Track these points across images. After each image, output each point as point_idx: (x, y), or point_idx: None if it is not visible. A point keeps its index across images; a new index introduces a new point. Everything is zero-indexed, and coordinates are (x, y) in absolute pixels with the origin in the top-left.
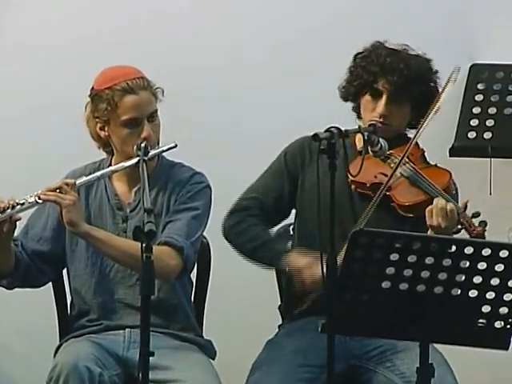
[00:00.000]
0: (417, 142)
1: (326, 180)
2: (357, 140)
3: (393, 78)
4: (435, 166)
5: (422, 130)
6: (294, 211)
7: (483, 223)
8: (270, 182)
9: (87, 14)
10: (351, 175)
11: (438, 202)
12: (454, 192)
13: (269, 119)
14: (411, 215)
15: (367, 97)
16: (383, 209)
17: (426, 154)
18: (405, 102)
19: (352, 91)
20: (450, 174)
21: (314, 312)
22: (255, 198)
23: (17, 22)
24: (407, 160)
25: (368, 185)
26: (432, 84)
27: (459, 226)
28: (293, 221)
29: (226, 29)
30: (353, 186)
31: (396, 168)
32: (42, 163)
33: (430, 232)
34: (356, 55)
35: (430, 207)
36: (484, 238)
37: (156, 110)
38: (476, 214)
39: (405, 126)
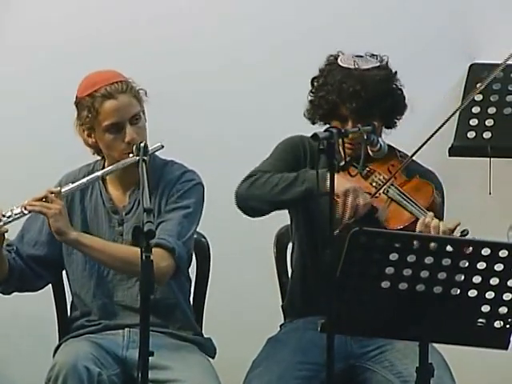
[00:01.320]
0: (395, 151)
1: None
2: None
3: (351, 105)
4: (416, 176)
5: (412, 156)
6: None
7: None
8: (278, 164)
9: (87, 14)
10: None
11: (432, 221)
12: (440, 200)
13: (268, 119)
14: None
15: (335, 122)
16: None
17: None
18: (371, 119)
19: (317, 118)
20: (433, 186)
21: (315, 312)
22: (267, 171)
23: (17, 22)
24: (388, 176)
25: None
26: (394, 87)
27: None
28: None
29: (226, 30)
30: None
31: (376, 192)
32: (42, 163)
33: None
34: (313, 80)
35: (421, 227)
36: None
37: (138, 112)
38: (465, 233)
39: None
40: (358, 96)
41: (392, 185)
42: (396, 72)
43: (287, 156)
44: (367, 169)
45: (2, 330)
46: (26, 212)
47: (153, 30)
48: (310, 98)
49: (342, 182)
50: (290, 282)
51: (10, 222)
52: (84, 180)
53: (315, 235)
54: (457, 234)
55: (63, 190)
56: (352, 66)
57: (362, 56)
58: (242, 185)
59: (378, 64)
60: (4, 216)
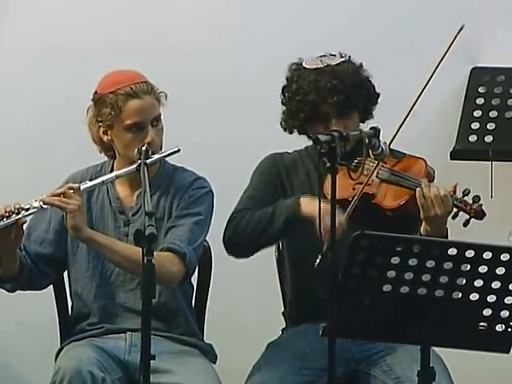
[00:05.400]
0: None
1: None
2: None
3: (333, 99)
4: (405, 155)
5: (396, 134)
6: None
7: (477, 198)
8: (257, 196)
9: (88, 20)
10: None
11: (430, 190)
12: (433, 176)
13: (269, 128)
14: (401, 214)
15: (316, 125)
16: (373, 217)
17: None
18: (352, 112)
19: (297, 124)
20: (425, 160)
21: (317, 316)
22: (247, 208)
23: (23, 25)
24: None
25: (350, 199)
26: (364, 78)
27: (455, 210)
28: None
29: (229, 39)
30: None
31: (368, 179)
32: (43, 165)
33: (424, 224)
34: (283, 89)
35: (421, 199)
36: (483, 212)
37: (159, 115)
38: (466, 192)
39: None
40: (336, 89)
41: (383, 167)
42: (362, 64)
43: (263, 183)
44: (355, 161)
45: (4, 333)
46: (44, 206)
47: (159, 36)
48: (285, 106)
49: (312, 206)
50: (290, 288)
51: (28, 215)
52: (103, 178)
53: (303, 244)
54: (459, 194)
55: (82, 186)
56: (321, 65)
57: (325, 55)
58: (226, 232)
59: (344, 59)
60: (23, 209)
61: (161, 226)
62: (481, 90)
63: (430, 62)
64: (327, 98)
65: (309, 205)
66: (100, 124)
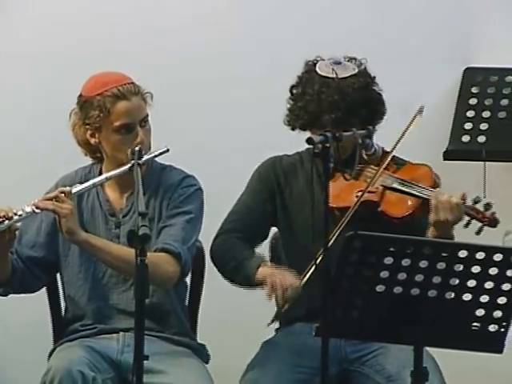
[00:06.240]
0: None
1: (308, 198)
2: None
3: (331, 116)
4: (407, 162)
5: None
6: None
7: (488, 205)
8: (250, 202)
9: (88, 20)
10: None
11: (443, 197)
12: (439, 182)
13: (268, 130)
14: (408, 222)
15: (314, 130)
16: (379, 226)
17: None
18: (351, 125)
19: (297, 126)
20: (429, 166)
21: (311, 317)
22: (238, 219)
23: (25, 28)
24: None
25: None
26: (372, 93)
27: (467, 218)
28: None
29: (228, 41)
30: (337, 213)
31: (368, 185)
32: (43, 166)
33: (431, 228)
34: (292, 88)
35: (434, 203)
36: (497, 220)
37: (147, 115)
38: (477, 199)
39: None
40: (336, 106)
41: (386, 174)
42: (374, 77)
43: (260, 187)
44: (356, 168)
45: None
46: (37, 211)
47: (159, 37)
48: (289, 106)
49: (263, 271)
50: None
51: (21, 219)
52: (94, 180)
53: (297, 244)
54: (470, 202)
55: (73, 190)
56: (331, 75)
57: (340, 63)
58: (213, 243)
59: (356, 71)
60: (16, 214)
61: (152, 226)
62: (474, 90)
63: (422, 61)
64: (325, 112)
65: (264, 272)
66: (87, 127)
